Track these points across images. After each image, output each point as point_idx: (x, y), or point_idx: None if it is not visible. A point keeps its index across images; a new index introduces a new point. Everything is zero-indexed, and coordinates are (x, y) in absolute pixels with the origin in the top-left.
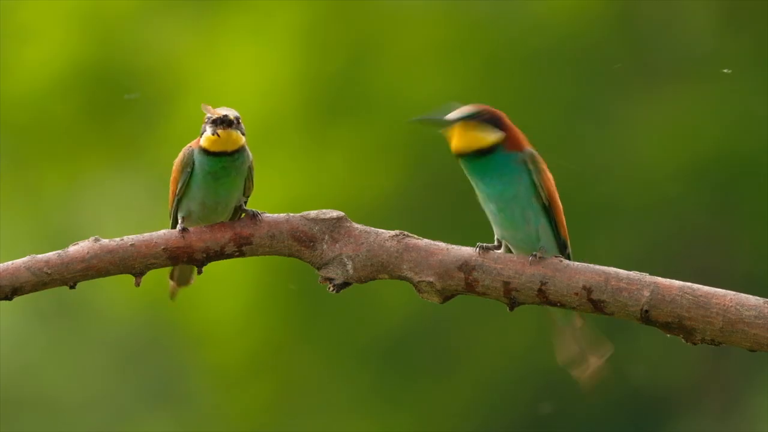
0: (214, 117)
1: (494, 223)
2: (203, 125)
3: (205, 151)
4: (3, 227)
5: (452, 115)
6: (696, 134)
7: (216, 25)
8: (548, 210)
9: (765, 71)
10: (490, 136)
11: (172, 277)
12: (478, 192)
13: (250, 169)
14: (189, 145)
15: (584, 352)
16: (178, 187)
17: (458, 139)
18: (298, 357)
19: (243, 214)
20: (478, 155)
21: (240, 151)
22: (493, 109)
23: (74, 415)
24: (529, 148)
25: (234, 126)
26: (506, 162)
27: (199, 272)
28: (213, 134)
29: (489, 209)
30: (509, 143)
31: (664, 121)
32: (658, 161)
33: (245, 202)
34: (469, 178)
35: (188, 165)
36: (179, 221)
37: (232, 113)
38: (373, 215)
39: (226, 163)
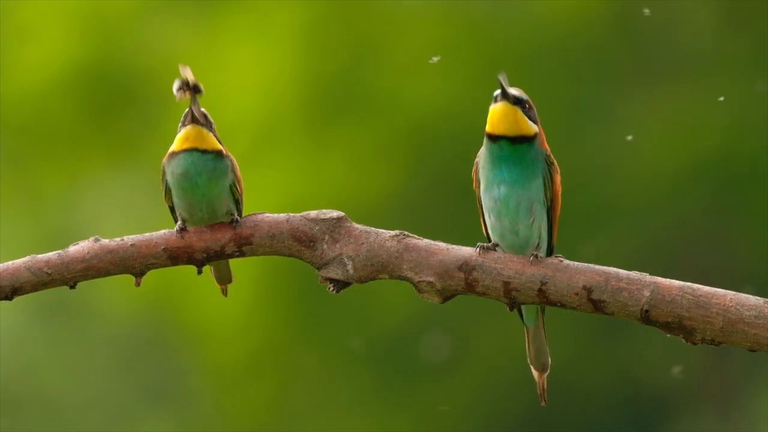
0: (179, 82)
1: (492, 212)
2: (179, 128)
3: (174, 154)
4: (3, 227)
5: (513, 92)
6: (696, 134)
7: (216, 25)
8: (549, 210)
9: (765, 71)
10: (534, 127)
11: (213, 276)
12: (489, 176)
13: (234, 178)
14: (164, 158)
15: (533, 359)
16: (164, 196)
17: (508, 121)
18: (298, 357)
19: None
20: (519, 141)
21: (217, 154)
22: (534, 107)
23: (74, 415)
24: (548, 149)
25: (209, 124)
26: (536, 154)
27: (199, 272)
28: (184, 127)
29: (493, 195)
30: (540, 139)
31: (664, 121)
32: (658, 161)
33: (239, 212)
34: (492, 160)
35: (163, 178)
36: (179, 222)
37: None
38: (373, 215)
39: (194, 158)
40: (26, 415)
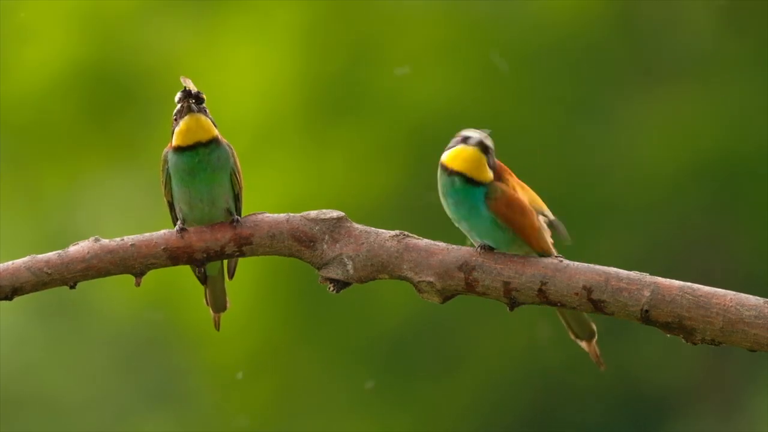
0: (181, 93)
1: (469, 237)
2: (173, 125)
3: (177, 149)
4: (3, 227)
5: (489, 142)
6: (696, 134)
7: (216, 25)
8: (517, 231)
9: (765, 71)
10: (490, 175)
11: (207, 303)
12: (448, 210)
13: (234, 167)
14: (165, 148)
15: (577, 331)
16: (163, 190)
17: (473, 165)
18: (298, 357)
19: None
20: (473, 182)
21: (214, 142)
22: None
23: (74, 415)
24: (497, 182)
25: (203, 110)
26: (479, 197)
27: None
28: (183, 120)
29: (462, 227)
30: (494, 177)
31: (664, 121)
32: (658, 161)
33: (239, 209)
34: (444, 194)
35: (164, 167)
36: (178, 222)
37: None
38: (373, 215)
39: (200, 156)
40: (26, 415)
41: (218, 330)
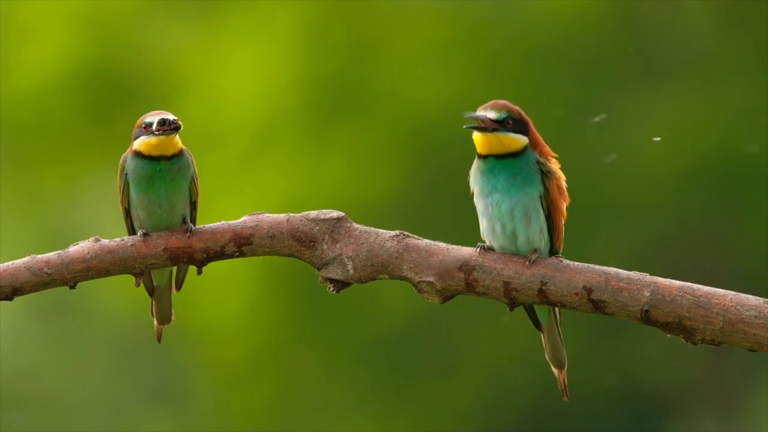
0: (159, 119)
1: (484, 216)
2: (135, 130)
3: (139, 155)
4: (3, 227)
5: (491, 115)
6: (696, 134)
7: (216, 25)
8: (549, 217)
9: (765, 71)
10: (521, 140)
11: (152, 314)
12: (481, 185)
13: (193, 175)
14: (125, 153)
15: (549, 355)
16: (120, 196)
17: (492, 146)
18: (298, 357)
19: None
20: (505, 156)
21: (178, 155)
22: (522, 115)
23: (74, 415)
24: (537, 154)
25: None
26: (527, 162)
27: (199, 272)
28: (156, 136)
29: (486, 201)
30: (531, 146)
31: (664, 121)
32: (658, 161)
33: (194, 216)
34: (483, 172)
35: (122, 173)
36: (138, 230)
37: (173, 117)
38: (373, 215)
39: (162, 166)
40: (26, 415)
41: (159, 342)
